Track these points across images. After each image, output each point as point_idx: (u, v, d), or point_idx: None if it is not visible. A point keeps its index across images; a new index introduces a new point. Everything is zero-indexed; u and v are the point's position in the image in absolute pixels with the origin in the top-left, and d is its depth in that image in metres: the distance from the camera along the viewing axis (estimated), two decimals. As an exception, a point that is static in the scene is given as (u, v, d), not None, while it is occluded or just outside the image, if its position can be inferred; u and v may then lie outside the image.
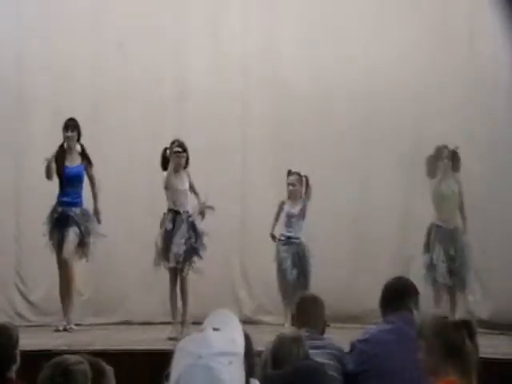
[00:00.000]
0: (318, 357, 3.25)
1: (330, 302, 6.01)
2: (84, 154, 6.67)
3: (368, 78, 7.34)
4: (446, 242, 6.37)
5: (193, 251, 6.19)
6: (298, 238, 6.69)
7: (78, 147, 6.68)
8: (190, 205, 6.29)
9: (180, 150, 6.17)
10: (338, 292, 6.92)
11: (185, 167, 6.26)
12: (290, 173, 6.70)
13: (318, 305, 3.63)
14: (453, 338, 2.48)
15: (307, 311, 3.58)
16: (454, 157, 6.49)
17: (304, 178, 6.68)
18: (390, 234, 7.05)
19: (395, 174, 7.22)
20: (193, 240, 6.18)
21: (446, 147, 6.51)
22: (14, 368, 3.18)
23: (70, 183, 6.57)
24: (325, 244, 6.82)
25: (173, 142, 6.24)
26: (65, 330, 6.39)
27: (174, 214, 6.21)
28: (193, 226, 6.20)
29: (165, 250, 6.14)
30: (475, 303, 7.11)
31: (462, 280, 6.44)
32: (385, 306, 3.56)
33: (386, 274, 3.86)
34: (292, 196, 6.71)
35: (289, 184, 6.70)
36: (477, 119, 7.17)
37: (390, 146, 7.27)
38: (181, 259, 6.12)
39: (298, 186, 6.68)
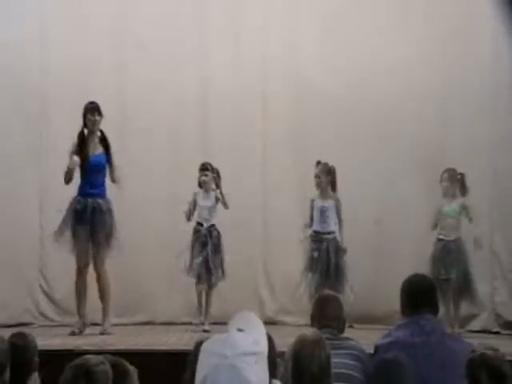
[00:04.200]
0: (340, 357, 3.22)
1: (353, 303, 6.06)
2: (105, 141, 6.28)
3: (390, 76, 7.31)
4: (446, 255, 6.51)
5: (213, 269, 6.50)
6: (330, 234, 6.55)
7: (99, 133, 6.35)
8: (216, 220, 6.64)
9: (203, 169, 6.61)
10: (361, 293, 6.88)
11: (217, 187, 6.64)
12: (316, 164, 6.63)
13: (336, 304, 3.59)
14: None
15: (326, 311, 3.53)
16: (460, 181, 6.62)
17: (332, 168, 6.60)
18: (415, 235, 7.00)
19: (419, 173, 7.18)
20: (212, 257, 6.49)
21: (446, 171, 6.63)
22: (36, 376, 3.21)
23: (94, 173, 6.20)
24: (348, 244, 6.78)
25: (200, 165, 6.68)
26: (77, 332, 6.13)
27: (199, 227, 6.58)
28: (215, 242, 6.53)
29: (189, 264, 6.55)
30: (502, 304, 7.05)
31: (463, 288, 6.48)
32: (406, 304, 3.50)
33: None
34: (318, 188, 6.62)
35: (314, 176, 6.63)
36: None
37: (413, 146, 7.24)
38: (202, 277, 6.50)
39: (323, 178, 6.56)
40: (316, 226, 6.56)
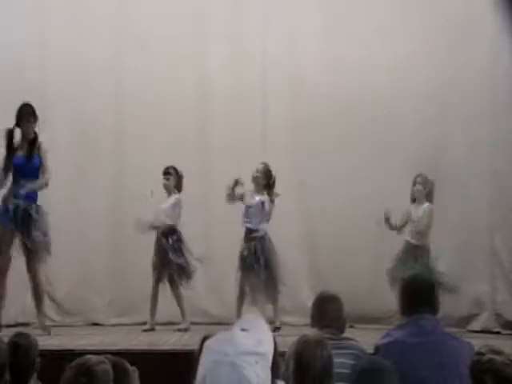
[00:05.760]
0: (340, 357, 3.22)
1: (353, 303, 6.04)
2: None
3: (390, 76, 7.34)
4: (409, 256, 6.56)
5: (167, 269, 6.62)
6: (257, 231, 6.53)
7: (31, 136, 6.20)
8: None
9: (164, 173, 6.76)
10: (361, 293, 6.89)
11: (178, 190, 6.77)
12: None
13: (337, 304, 3.59)
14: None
15: (326, 311, 3.53)
16: (430, 187, 6.67)
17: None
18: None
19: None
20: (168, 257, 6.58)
21: (420, 175, 6.68)
22: (35, 376, 3.21)
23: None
24: (348, 244, 6.77)
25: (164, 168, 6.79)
26: None
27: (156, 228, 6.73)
28: (172, 243, 6.63)
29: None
30: (502, 304, 7.04)
31: None
32: (405, 305, 3.49)
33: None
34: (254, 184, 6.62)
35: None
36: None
37: (410, 146, 7.23)
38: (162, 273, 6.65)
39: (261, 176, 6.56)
40: (245, 223, 6.58)
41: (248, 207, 6.56)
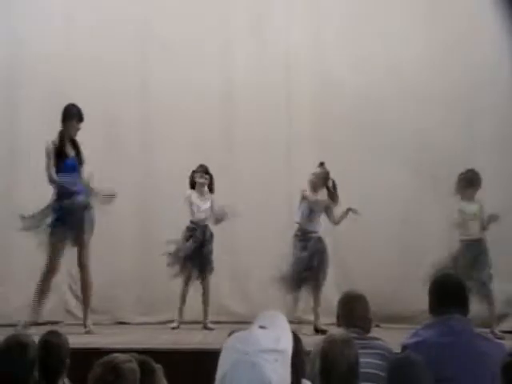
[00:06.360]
0: (367, 357, 3.21)
1: (380, 302, 6.03)
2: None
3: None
4: (470, 254, 6.42)
5: (202, 264, 6.62)
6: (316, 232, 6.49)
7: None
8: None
9: (202, 171, 6.72)
10: (388, 292, 6.85)
11: (210, 191, 6.74)
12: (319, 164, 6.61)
13: (362, 303, 3.57)
14: None
15: (352, 310, 3.52)
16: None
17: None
18: (442, 234, 6.94)
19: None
20: (204, 253, 6.60)
21: (478, 176, 6.51)
22: (65, 376, 3.22)
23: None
24: (375, 243, 6.73)
25: (199, 166, 6.75)
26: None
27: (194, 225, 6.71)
28: (207, 240, 6.62)
29: (181, 260, 6.66)
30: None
31: (482, 285, 6.38)
32: (435, 304, 3.46)
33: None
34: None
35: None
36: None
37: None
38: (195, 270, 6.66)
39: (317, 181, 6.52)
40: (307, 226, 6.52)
41: (312, 211, 6.47)
